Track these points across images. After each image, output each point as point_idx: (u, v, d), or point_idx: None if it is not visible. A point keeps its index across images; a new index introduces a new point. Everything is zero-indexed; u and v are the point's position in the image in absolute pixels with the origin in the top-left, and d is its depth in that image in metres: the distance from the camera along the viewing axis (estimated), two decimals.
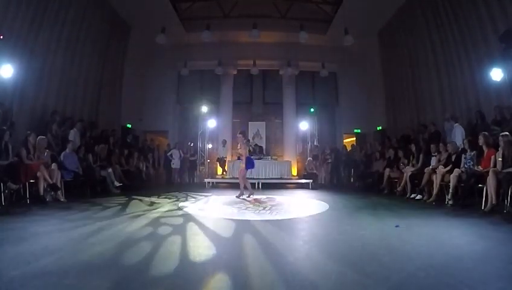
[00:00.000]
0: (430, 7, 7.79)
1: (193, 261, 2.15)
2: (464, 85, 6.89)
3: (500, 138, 4.24)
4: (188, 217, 3.96)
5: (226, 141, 10.67)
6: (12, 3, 5.67)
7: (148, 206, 4.87)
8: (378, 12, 9.38)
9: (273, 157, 10.29)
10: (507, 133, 4.29)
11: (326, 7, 9.53)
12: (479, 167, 4.62)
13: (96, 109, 8.85)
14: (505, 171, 3.99)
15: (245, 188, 6.03)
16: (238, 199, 5.76)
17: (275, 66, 12.18)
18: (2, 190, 4.14)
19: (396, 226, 3.28)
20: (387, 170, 7.02)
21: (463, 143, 5.36)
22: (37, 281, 1.72)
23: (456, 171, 4.77)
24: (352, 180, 9.90)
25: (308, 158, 10.09)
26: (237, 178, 8.71)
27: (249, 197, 5.88)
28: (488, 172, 4.12)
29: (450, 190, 4.77)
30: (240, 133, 6.24)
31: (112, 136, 8.19)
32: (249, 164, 6.04)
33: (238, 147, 6.10)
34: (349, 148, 11.04)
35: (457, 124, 6.32)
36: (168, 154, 10.08)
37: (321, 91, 12.58)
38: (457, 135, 6.05)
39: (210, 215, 4.11)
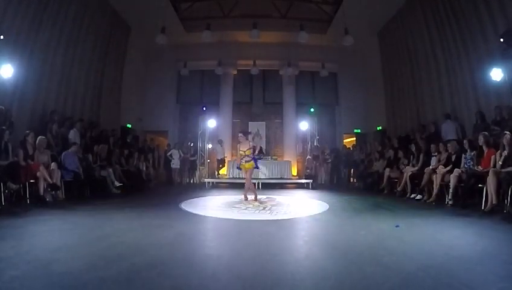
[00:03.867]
0: (430, 7, 7.79)
1: (193, 262, 2.15)
2: (464, 85, 6.89)
3: (508, 136, 4.23)
4: (188, 217, 3.96)
5: (222, 141, 10.66)
6: (12, 3, 5.66)
7: (148, 206, 4.87)
8: (378, 12, 9.38)
9: (273, 157, 10.29)
10: (508, 132, 4.30)
11: (326, 7, 9.52)
12: (479, 167, 4.62)
13: (96, 109, 8.85)
14: (504, 170, 3.98)
15: (250, 189, 5.75)
16: (237, 199, 5.75)
17: (275, 66, 12.18)
18: (2, 190, 4.13)
19: (397, 226, 3.28)
20: (387, 170, 7.02)
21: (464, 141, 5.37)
22: (37, 281, 1.72)
23: (456, 171, 4.77)
24: (352, 180, 9.90)
25: (308, 157, 10.09)
26: (240, 178, 8.74)
27: (246, 199, 5.63)
28: (488, 172, 4.12)
29: (450, 190, 4.77)
30: (244, 134, 5.83)
31: (112, 136, 8.19)
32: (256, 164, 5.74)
33: (249, 148, 5.64)
34: (349, 147, 11.04)
35: (448, 120, 6.82)
36: (168, 154, 10.09)
37: (321, 91, 12.58)
38: (449, 131, 6.38)
39: (210, 216, 4.11)
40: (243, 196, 5.71)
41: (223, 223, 3.68)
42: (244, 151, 5.60)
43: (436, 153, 5.91)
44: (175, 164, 9.94)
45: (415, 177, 5.95)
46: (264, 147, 11.42)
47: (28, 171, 4.64)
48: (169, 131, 12.20)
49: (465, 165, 5.01)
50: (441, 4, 7.39)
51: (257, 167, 5.80)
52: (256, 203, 5.23)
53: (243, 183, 8.28)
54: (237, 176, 9.16)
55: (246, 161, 5.62)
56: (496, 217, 3.69)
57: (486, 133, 4.77)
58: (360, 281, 1.78)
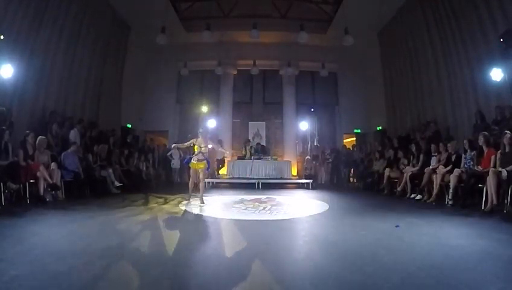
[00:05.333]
0: (430, 7, 7.79)
1: (193, 262, 2.15)
2: (464, 85, 6.89)
3: (509, 135, 4.23)
4: (188, 217, 3.96)
5: (222, 141, 10.66)
6: (13, 2, 5.66)
7: (149, 206, 4.87)
8: (378, 12, 9.37)
9: (273, 157, 10.29)
10: (508, 131, 4.31)
11: (326, 7, 9.52)
12: (479, 167, 4.62)
13: (96, 109, 8.85)
14: (508, 169, 3.96)
15: (197, 190, 5.25)
16: (237, 199, 5.75)
17: (275, 66, 12.17)
18: (2, 190, 4.13)
19: (397, 226, 3.28)
20: (387, 170, 7.02)
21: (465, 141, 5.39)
22: (37, 281, 1.72)
23: (456, 171, 4.76)
24: (352, 180, 9.90)
25: (307, 157, 10.07)
26: (241, 178, 8.73)
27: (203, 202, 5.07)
28: (488, 172, 4.12)
29: (450, 190, 4.76)
30: (206, 131, 5.42)
31: (111, 136, 8.19)
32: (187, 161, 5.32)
33: (206, 145, 5.23)
34: (349, 148, 11.05)
35: (432, 124, 7.48)
36: (168, 154, 10.09)
37: (321, 91, 12.57)
38: None
39: (210, 215, 4.10)
40: (198, 201, 5.09)
41: (222, 223, 3.68)
42: (201, 148, 5.12)
43: (436, 153, 5.90)
44: (175, 164, 9.94)
45: (415, 177, 5.95)
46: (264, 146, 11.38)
47: (28, 171, 4.65)
48: (169, 131, 12.20)
49: (465, 165, 5.00)
50: (441, 4, 7.39)
51: (208, 169, 5.44)
52: (257, 203, 5.21)
53: (243, 183, 8.35)
54: (237, 176, 9.16)
55: (198, 160, 5.11)
56: (495, 217, 3.69)
57: (486, 133, 4.77)
58: (360, 281, 1.78)
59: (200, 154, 5.13)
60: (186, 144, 5.55)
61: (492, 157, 4.39)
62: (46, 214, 3.91)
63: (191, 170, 5.29)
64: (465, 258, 2.17)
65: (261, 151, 10.39)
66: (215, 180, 9.13)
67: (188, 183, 5.36)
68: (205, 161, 5.17)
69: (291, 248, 2.59)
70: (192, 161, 5.21)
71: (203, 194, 5.23)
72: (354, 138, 12.51)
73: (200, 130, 5.40)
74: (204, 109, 10.79)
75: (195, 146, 5.19)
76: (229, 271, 1.95)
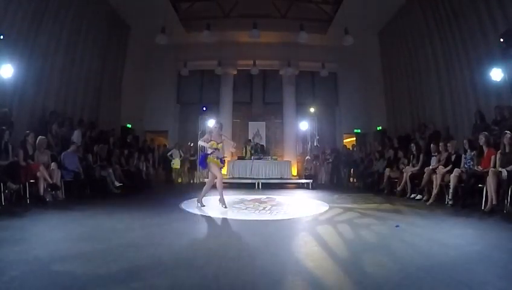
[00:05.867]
0: (430, 7, 7.79)
1: (193, 262, 2.15)
2: (464, 85, 6.89)
3: (509, 135, 4.23)
4: (188, 217, 3.96)
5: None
6: (13, 3, 5.66)
7: (148, 206, 4.87)
8: (378, 12, 9.38)
9: (273, 157, 10.30)
10: (508, 131, 4.31)
11: (326, 7, 9.53)
12: (479, 167, 4.62)
13: (96, 109, 8.85)
14: (508, 169, 3.96)
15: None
16: (237, 199, 5.75)
17: (275, 66, 12.18)
18: (2, 190, 4.13)
19: (397, 226, 3.28)
20: (387, 170, 7.02)
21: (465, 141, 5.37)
22: (37, 281, 1.72)
23: (456, 171, 4.76)
24: (352, 180, 9.90)
25: (307, 157, 10.05)
26: (241, 178, 8.72)
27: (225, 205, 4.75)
28: (488, 172, 4.12)
29: (450, 190, 4.76)
30: (220, 126, 4.96)
31: (111, 136, 8.19)
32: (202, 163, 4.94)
33: (221, 141, 4.85)
34: (349, 148, 11.06)
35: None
36: (168, 154, 10.10)
37: (321, 91, 12.57)
38: None
39: (210, 216, 4.10)
40: (219, 203, 4.80)
41: (223, 223, 3.68)
42: (218, 144, 4.77)
43: (436, 153, 5.90)
44: (175, 163, 9.95)
45: (415, 177, 5.95)
46: (264, 146, 11.38)
47: (28, 171, 4.65)
48: (169, 131, 12.21)
49: (465, 165, 5.01)
50: (441, 4, 7.39)
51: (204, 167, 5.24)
52: (257, 203, 5.21)
53: (243, 183, 8.35)
54: (237, 176, 9.16)
55: (217, 157, 4.77)
56: (495, 217, 3.69)
57: (486, 133, 4.77)
58: (360, 282, 1.78)
59: (217, 151, 4.75)
60: (208, 144, 4.95)
61: (492, 157, 4.39)
62: (46, 214, 3.91)
63: (214, 167, 4.75)
64: (464, 258, 2.17)
65: (261, 151, 10.39)
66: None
67: (216, 184, 4.79)
68: (219, 160, 4.82)
69: (291, 248, 2.59)
70: (210, 156, 4.74)
71: (204, 197, 4.93)
72: (354, 138, 12.52)
73: (215, 125, 4.97)
74: (205, 109, 10.76)
75: (213, 142, 4.77)
76: (229, 271, 1.95)
